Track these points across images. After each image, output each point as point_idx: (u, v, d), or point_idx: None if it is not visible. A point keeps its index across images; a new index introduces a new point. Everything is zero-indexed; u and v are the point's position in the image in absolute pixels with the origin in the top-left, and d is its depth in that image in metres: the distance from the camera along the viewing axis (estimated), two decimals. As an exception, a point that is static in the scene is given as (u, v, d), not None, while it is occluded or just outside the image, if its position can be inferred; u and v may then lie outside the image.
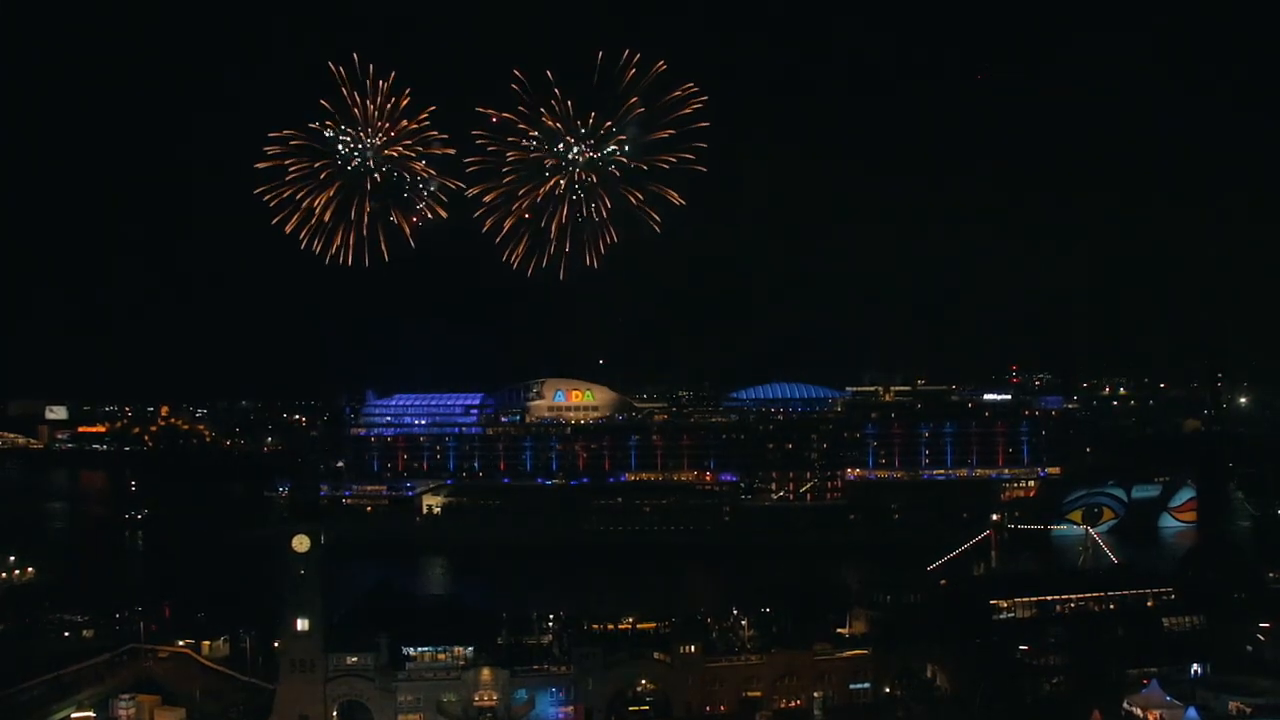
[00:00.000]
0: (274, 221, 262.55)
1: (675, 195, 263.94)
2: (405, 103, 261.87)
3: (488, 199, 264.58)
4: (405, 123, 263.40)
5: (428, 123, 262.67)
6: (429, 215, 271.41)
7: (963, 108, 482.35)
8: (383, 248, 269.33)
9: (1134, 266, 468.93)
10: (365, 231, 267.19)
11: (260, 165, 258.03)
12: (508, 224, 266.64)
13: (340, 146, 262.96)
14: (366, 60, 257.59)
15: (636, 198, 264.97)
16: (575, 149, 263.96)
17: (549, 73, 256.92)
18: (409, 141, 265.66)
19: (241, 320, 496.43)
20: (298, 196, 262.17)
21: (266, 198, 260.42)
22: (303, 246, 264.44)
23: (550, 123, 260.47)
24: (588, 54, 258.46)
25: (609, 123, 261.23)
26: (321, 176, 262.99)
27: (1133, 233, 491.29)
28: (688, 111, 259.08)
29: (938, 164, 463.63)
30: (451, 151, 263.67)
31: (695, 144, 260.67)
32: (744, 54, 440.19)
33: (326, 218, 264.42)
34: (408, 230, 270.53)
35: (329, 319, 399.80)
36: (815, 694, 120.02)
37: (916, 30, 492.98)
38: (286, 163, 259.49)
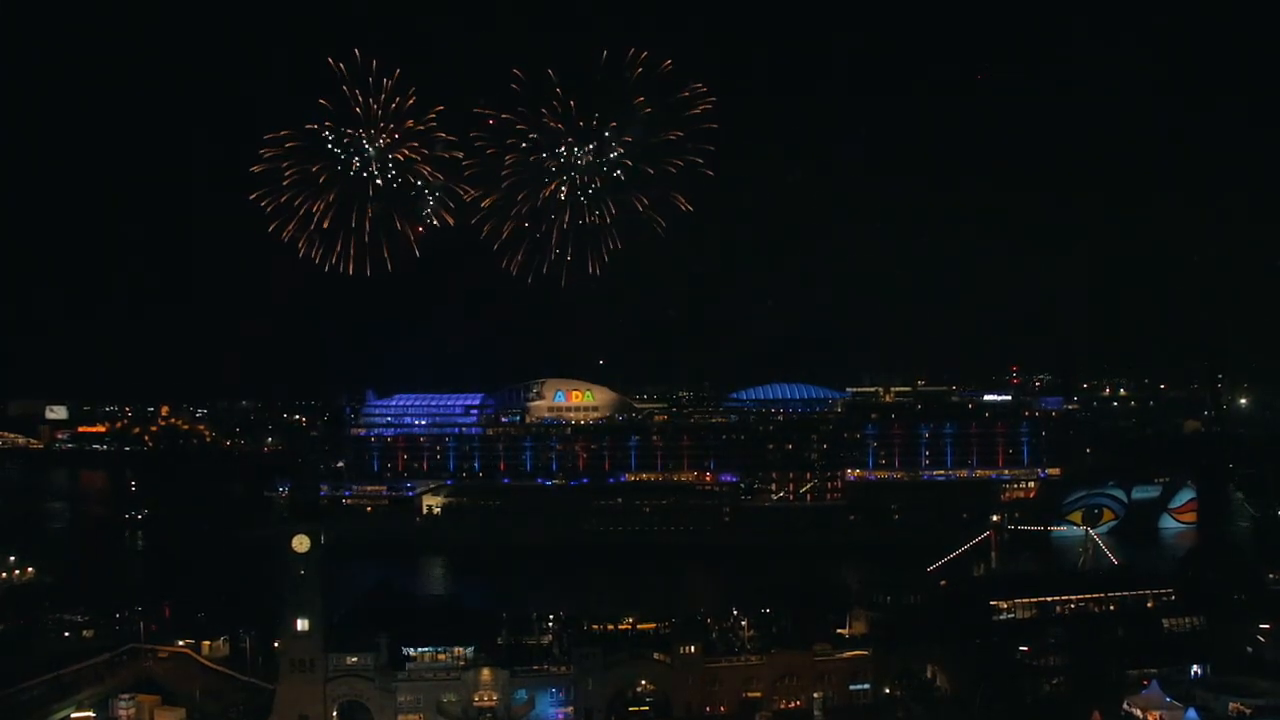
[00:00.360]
0: (271, 229, 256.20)
1: (684, 202, 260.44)
2: (411, 102, 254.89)
3: (486, 204, 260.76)
4: (411, 123, 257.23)
5: (435, 123, 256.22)
6: (435, 222, 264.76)
7: (963, 107, 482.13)
8: (386, 256, 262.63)
9: (1134, 266, 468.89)
10: (367, 239, 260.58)
11: (256, 169, 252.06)
12: (507, 229, 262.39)
13: (339, 150, 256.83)
14: (369, 57, 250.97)
15: (642, 203, 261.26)
16: (577, 150, 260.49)
17: (550, 71, 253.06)
18: (415, 144, 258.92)
19: (241, 320, 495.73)
20: (295, 202, 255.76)
21: (264, 204, 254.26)
22: (300, 255, 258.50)
23: (552, 124, 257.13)
24: (590, 53, 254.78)
25: (613, 123, 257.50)
26: (320, 181, 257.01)
27: (1133, 233, 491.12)
28: (696, 113, 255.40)
29: (937, 164, 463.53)
30: (460, 155, 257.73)
31: (703, 145, 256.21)
32: (743, 53, 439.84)
33: (325, 225, 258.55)
34: (413, 238, 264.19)
35: (329, 320, 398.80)
36: (815, 694, 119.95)
37: (916, 30, 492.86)
38: (283, 165, 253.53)
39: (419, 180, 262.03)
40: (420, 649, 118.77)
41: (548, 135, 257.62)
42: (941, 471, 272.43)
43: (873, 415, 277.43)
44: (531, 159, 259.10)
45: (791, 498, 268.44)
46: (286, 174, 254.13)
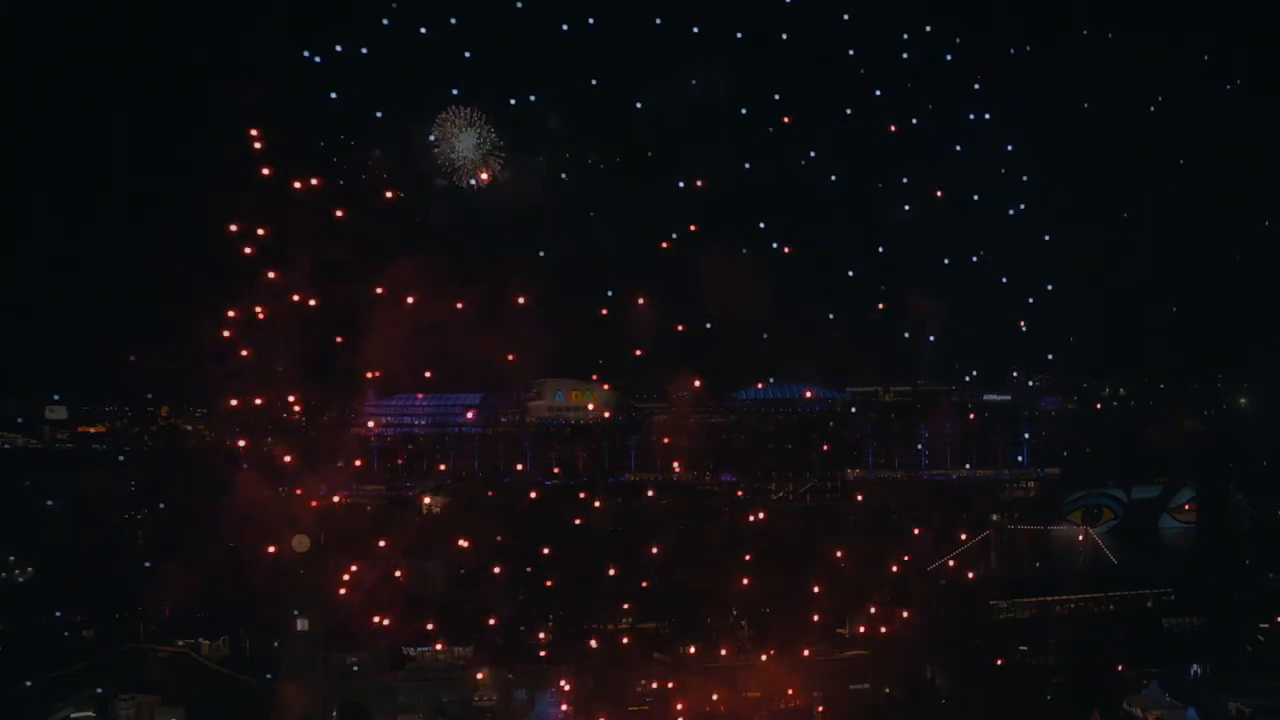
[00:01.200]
0: (268, 231, 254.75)
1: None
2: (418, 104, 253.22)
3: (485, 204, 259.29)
4: (415, 125, 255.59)
5: (440, 125, 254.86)
6: (440, 224, 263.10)
7: (962, 106, 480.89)
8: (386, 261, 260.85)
9: (1133, 266, 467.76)
10: (369, 243, 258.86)
11: (257, 176, 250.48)
12: (509, 230, 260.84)
13: (340, 153, 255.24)
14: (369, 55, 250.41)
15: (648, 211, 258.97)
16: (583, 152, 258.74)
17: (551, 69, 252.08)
18: (421, 146, 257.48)
19: (241, 320, 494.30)
20: (294, 206, 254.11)
21: (261, 206, 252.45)
22: (300, 257, 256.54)
23: (553, 124, 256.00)
24: (592, 50, 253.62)
25: (617, 125, 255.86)
26: (322, 184, 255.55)
27: (1133, 232, 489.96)
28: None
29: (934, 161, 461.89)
30: (468, 156, 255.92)
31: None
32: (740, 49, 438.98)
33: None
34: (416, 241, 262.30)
35: (328, 321, 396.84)
36: (815, 694, 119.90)
37: (915, 28, 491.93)
38: (280, 169, 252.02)
39: (423, 184, 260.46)
40: (420, 649, 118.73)
41: (548, 135, 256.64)
42: (941, 471, 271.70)
43: (873, 415, 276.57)
44: (535, 160, 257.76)
45: (791, 498, 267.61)
46: (285, 176, 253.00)
